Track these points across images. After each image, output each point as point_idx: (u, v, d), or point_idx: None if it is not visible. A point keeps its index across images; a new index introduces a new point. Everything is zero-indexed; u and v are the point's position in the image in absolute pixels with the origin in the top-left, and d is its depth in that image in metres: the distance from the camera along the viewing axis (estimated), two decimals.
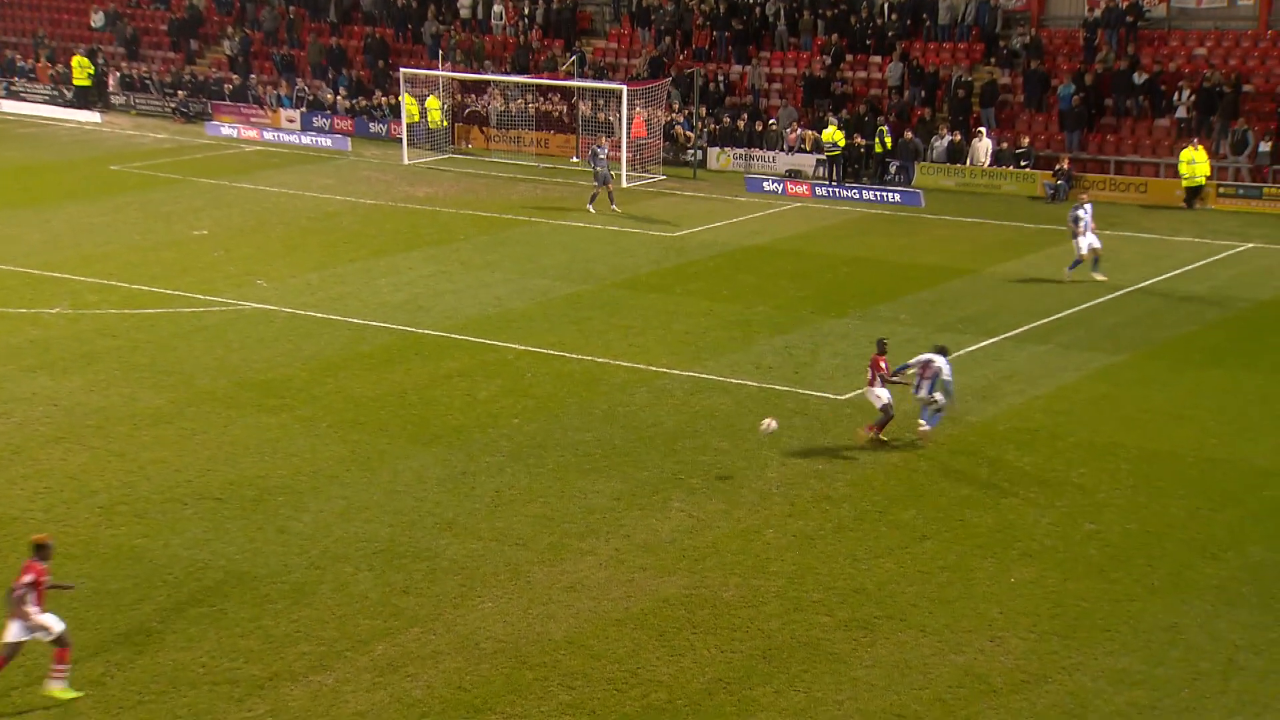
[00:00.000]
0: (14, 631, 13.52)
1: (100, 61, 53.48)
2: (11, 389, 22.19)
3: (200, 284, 28.84)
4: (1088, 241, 29.18)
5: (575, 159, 44.73)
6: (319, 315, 26.91)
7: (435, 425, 21.15)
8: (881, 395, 20.20)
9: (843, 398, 22.44)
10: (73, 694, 13.75)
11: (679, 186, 41.12)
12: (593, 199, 36.96)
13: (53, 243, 31.81)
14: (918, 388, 20.03)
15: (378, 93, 49.58)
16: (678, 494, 18.79)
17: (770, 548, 17.20)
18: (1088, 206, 29.44)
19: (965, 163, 40.22)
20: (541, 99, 46.60)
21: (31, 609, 13.47)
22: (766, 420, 19.87)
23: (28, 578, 13.48)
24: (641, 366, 24.11)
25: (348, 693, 13.97)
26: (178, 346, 24.75)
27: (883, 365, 20.30)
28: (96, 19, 57.18)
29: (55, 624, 13.68)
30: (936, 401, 20.00)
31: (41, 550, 13.70)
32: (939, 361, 19.90)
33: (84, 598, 15.59)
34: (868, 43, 44.99)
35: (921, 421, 20.22)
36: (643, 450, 20.33)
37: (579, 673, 14.33)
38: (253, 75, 52.02)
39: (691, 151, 43.27)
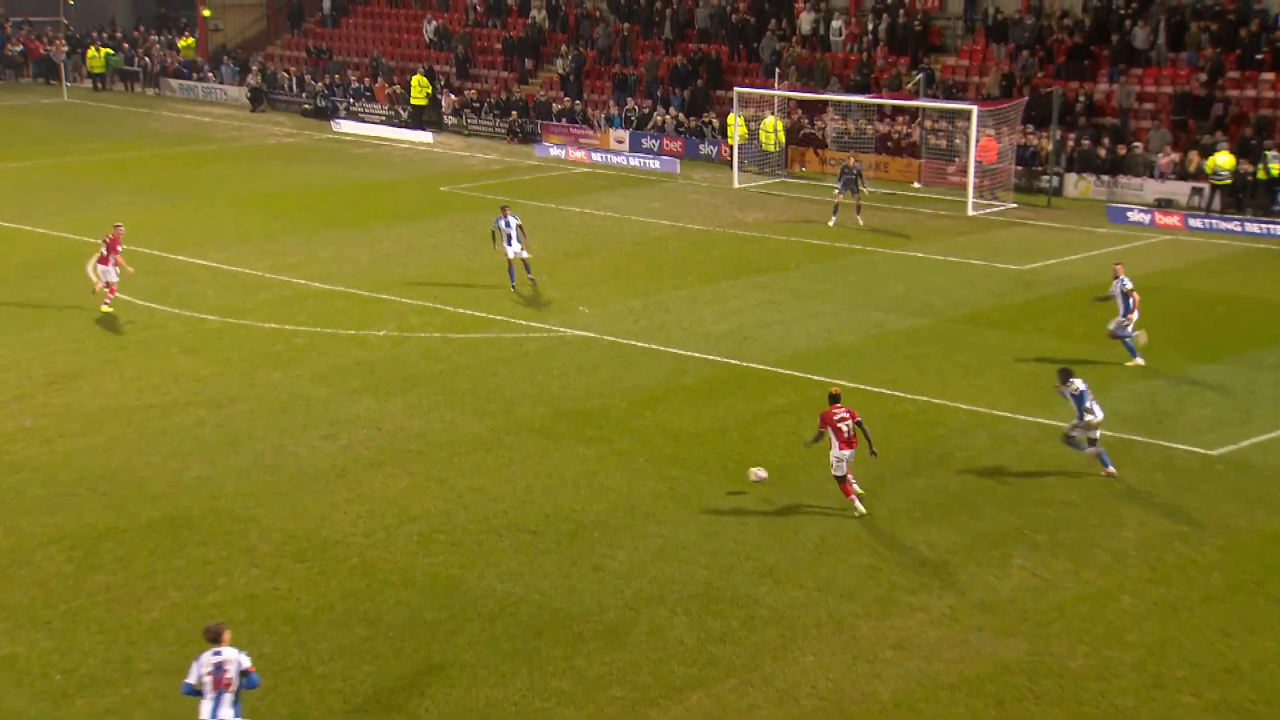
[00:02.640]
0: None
1: (437, 82, 56.61)
2: (338, 410, 23.69)
3: (522, 309, 30.00)
4: None
5: (918, 184, 44.25)
6: (640, 344, 27.50)
7: (758, 464, 21.24)
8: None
9: (1214, 453, 21.26)
10: None
11: (1031, 216, 40.05)
12: (835, 210, 38.19)
13: (381, 264, 33.83)
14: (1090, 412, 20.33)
15: (709, 113, 50.49)
16: (1020, 550, 18.25)
17: (1126, 615, 16.45)
18: None
19: None
20: (883, 120, 46.36)
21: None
22: (755, 470, 20.09)
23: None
24: (982, 409, 23.57)
25: None
26: (498, 372, 25.82)
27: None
28: (428, 29, 60.65)
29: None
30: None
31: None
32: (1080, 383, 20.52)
33: (400, 626, 16.45)
34: (1259, 57, 42.59)
35: (1106, 466, 20.48)
36: (981, 500, 19.85)
37: None
38: (583, 95, 53.94)
39: (1047, 178, 42.08)
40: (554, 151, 50.31)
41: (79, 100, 61.54)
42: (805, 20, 51.92)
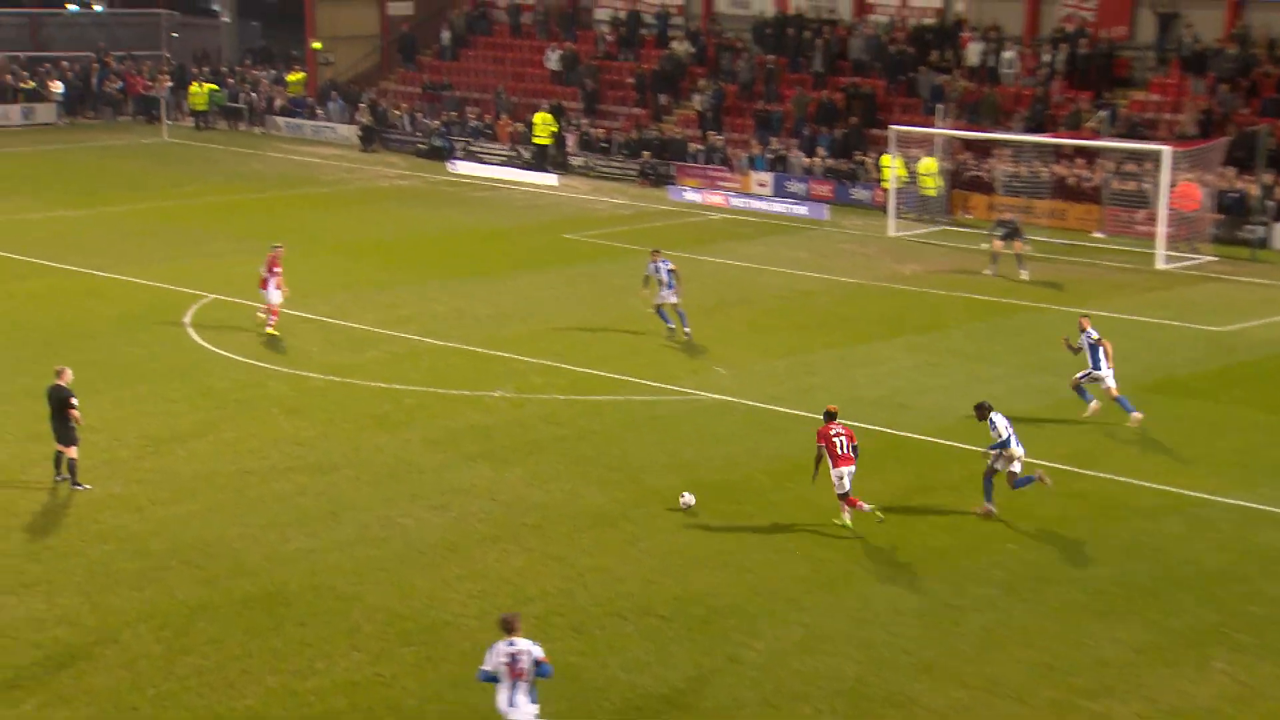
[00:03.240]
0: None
1: (563, 120, 57.31)
2: (451, 479, 23.96)
3: (653, 369, 30.14)
4: None
5: (1099, 234, 43.68)
6: (784, 410, 27.43)
7: (914, 547, 21.00)
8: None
9: None
10: None
11: (1231, 270, 39.30)
12: (994, 259, 38.72)
13: (499, 318, 34.26)
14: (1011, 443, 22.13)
15: (860, 153, 50.45)
16: (1220, 651, 17.80)
17: None
18: None
19: None
20: (1060, 162, 45.89)
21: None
22: (684, 496, 22.24)
23: None
24: (1175, 489, 23.12)
25: None
26: (626, 438, 25.92)
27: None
28: (551, 59, 61.58)
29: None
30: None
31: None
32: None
33: None
34: None
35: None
36: (1174, 593, 19.42)
37: None
38: (722, 133, 54.27)
39: (1250, 228, 41.24)
40: (689, 195, 50.64)
41: (179, 140, 63.55)
42: (972, 51, 51.75)
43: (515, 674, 14.76)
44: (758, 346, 32.00)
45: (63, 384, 23.31)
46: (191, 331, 32.43)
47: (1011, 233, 38.68)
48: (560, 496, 23.23)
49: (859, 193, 49.14)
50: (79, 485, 23.10)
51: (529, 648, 14.87)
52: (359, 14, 68.85)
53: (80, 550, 20.82)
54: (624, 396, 28.40)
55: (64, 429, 23.19)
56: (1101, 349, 26.61)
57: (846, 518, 21.58)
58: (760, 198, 49.77)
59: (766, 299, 36.57)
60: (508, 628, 15.01)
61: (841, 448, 21.58)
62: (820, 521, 21.99)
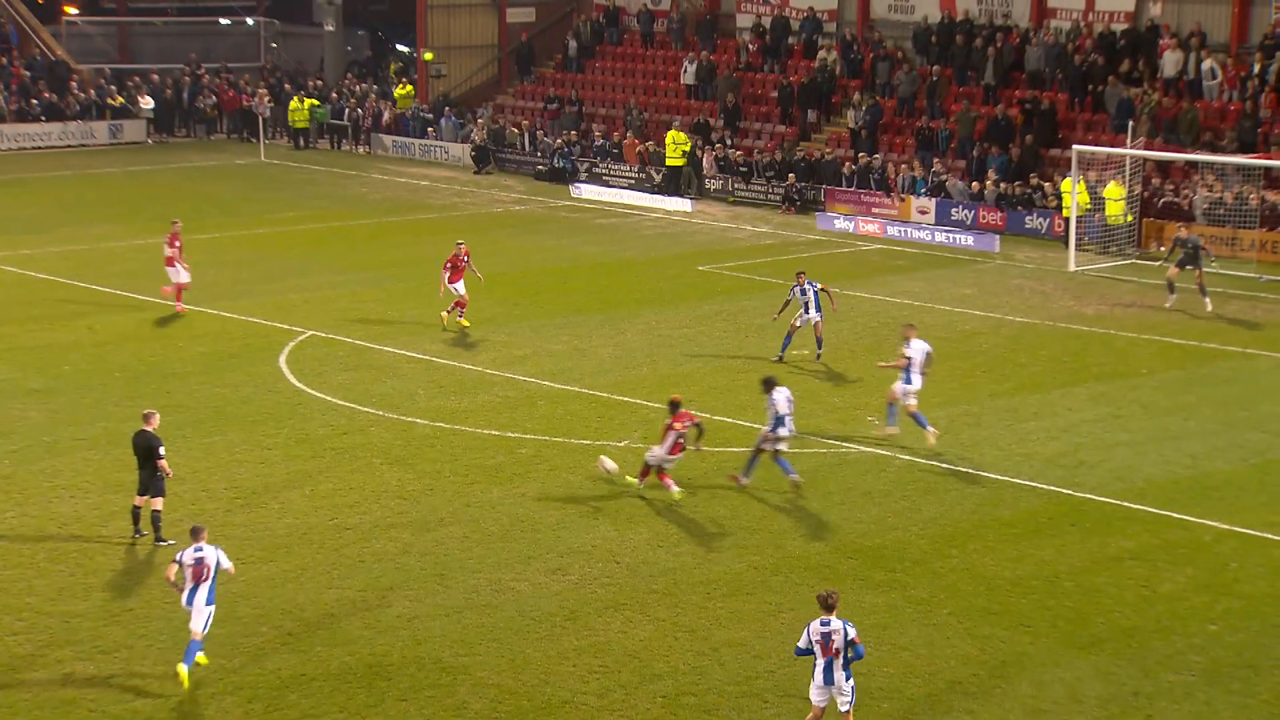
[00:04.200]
0: None
1: (698, 139, 57.53)
2: (570, 539, 24.08)
3: (796, 418, 30.02)
4: None
5: None
6: (945, 465, 27.26)
7: (1097, 625, 20.71)
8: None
9: None
10: None
11: None
12: (1171, 288, 38.98)
13: (625, 359, 34.42)
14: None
15: (1036, 176, 50.05)
16: None
17: None
18: None
19: None
20: (1273, 187, 45.10)
21: None
22: (605, 460, 25.61)
23: None
24: None
25: None
26: (765, 496, 25.86)
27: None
28: (687, 71, 61.89)
29: None
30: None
31: None
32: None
33: None
34: None
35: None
36: None
37: None
38: (878, 153, 54.14)
39: None
40: (840, 223, 50.55)
41: (277, 160, 64.84)
42: (1169, 60, 51.04)
43: (829, 652, 17.17)
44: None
45: (150, 430, 23.79)
46: (287, 371, 32.99)
47: (1191, 256, 38.20)
48: (691, 560, 23.22)
49: (1034, 221, 48.71)
50: (162, 541, 23.57)
51: (842, 626, 17.23)
52: (475, 22, 69.65)
53: (163, 613, 21.21)
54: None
55: (150, 480, 23.67)
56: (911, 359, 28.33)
57: (673, 489, 25.44)
58: (920, 226, 49.52)
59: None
60: (825, 605, 17.38)
61: (674, 438, 25.58)
62: (989, 594, 21.75)
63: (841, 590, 21.92)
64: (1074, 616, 21.06)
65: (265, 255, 45.88)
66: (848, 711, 17.39)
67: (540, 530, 24.38)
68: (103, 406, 30.37)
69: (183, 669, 19.19)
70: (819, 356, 33.80)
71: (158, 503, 23.70)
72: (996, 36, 55.46)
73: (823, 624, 17.36)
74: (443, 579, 22.53)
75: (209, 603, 19.58)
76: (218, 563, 19.68)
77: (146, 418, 23.96)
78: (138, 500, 23.85)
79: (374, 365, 33.73)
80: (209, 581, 19.57)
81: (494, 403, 31.09)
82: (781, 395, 25.89)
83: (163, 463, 23.54)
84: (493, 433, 29.14)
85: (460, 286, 36.64)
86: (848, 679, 17.31)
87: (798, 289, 33.68)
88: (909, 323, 29.96)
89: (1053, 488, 26.02)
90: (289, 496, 25.89)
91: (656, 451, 25.71)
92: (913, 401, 28.26)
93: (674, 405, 25.98)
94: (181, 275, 38.05)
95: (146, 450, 23.60)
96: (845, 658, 17.27)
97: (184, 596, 19.62)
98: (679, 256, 46.31)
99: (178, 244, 38.04)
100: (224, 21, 79.05)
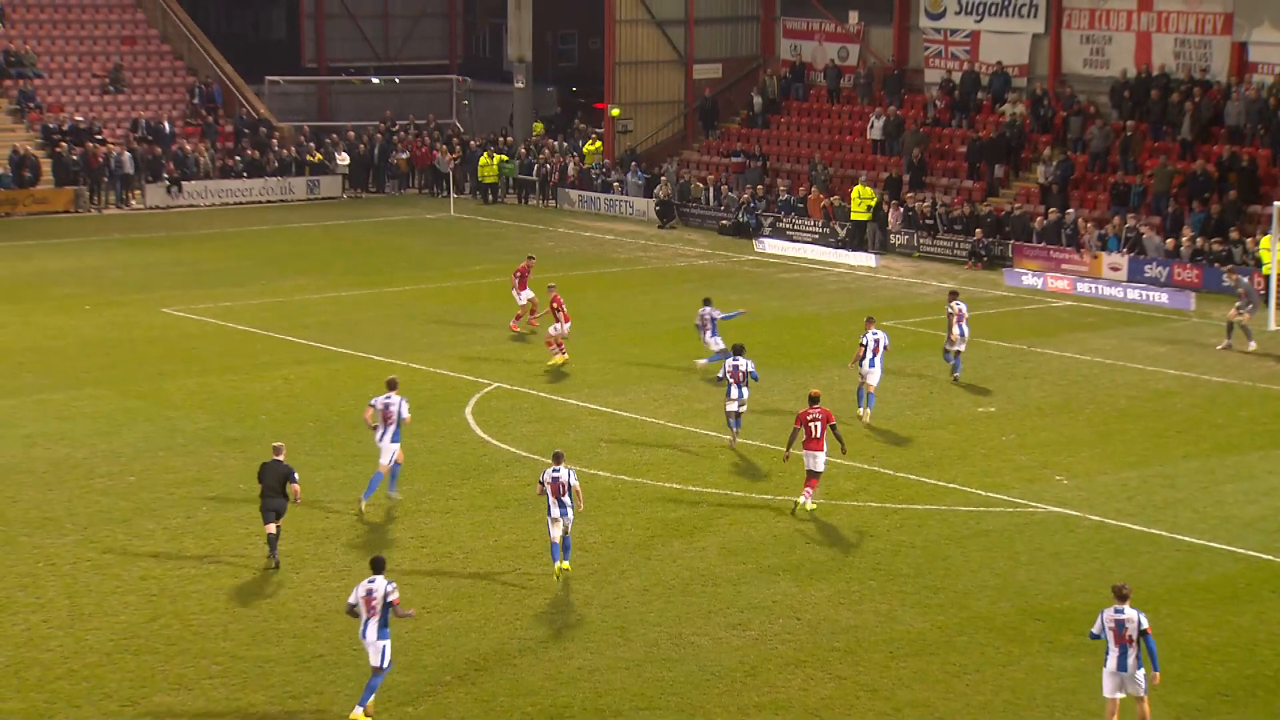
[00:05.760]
0: None
1: (884, 193, 57.29)
2: (750, 594, 23.98)
3: (981, 476, 29.70)
4: None
5: None
6: (1137, 527, 26.77)
7: None
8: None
9: None
10: None
11: None
12: (1229, 329, 40.00)
13: None
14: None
15: (1235, 232, 48.98)
16: None
17: None
18: None
19: None
20: None
21: None
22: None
23: None
24: None
25: None
26: (949, 555, 25.56)
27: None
28: (874, 127, 61.69)
29: None
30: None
31: None
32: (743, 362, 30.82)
33: None
34: None
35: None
36: None
37: None
38: (1070, 209, 53.41)
39: None
40: (1029, 280, 49.93)
41: (465, 214, 65.83)
42: None
43: (1122, 639, 18.46)
44: (1105, 454, 31.26)
45: (281, 459, 25.28)
46: (473, 423, 33.36)
47: (1248, 299, 39.33)
48: (873, 618, 23.00)
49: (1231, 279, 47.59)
50: (274, 556, 24.99)
51: (1136, 616, 18.44)
52: (662, 78, 70.21)
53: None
54: (947, 506, 28.05)
55: (281, 507, 25.04)
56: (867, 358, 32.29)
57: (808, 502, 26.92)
58: (1112, 283, 48.70)
59: (1117, 399, 35.67)
60: (1119, 595, 18.57)
61: (815, 432, 27.24)
62: (1184, 661, 21.20)
63: (1027, 654, 21.68)
64: (1275, 686, 20.50)
65: (453, 307, 46.47)
66: (1143, 699, 18.48)
67: (720, 585, 24.32)
68: (295, 456, 30.73)
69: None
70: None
71: (272, 526, 24.98)
72: (1194, 91, 54.41)
73: (1116, 611, 18.47)
74: (623, 632, 22.56)
75: (395, 442, 25.91)
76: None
77: (276, 450, 25.45)
78: (270, 528, 25.02)
79: (557, 417, 33.96)
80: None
81: (676, 456, 31.14)
82: (740, 364, 31.08)
83: (296, 488, 25.05)
84: (674, 485, 29.17)
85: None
86: (1139, 668, 18.42)
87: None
88: (869, 315, 34.31)
89: (1252, 552, 25.41)
90: (472, 544, 26.13)
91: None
92: (872, 382, 32.98)
93: (813, 399, 28.05)
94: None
95: (283, 478, 25.03)
96: (1139, 648, 18.36)
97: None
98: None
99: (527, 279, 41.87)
100: (418, 79, 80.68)
